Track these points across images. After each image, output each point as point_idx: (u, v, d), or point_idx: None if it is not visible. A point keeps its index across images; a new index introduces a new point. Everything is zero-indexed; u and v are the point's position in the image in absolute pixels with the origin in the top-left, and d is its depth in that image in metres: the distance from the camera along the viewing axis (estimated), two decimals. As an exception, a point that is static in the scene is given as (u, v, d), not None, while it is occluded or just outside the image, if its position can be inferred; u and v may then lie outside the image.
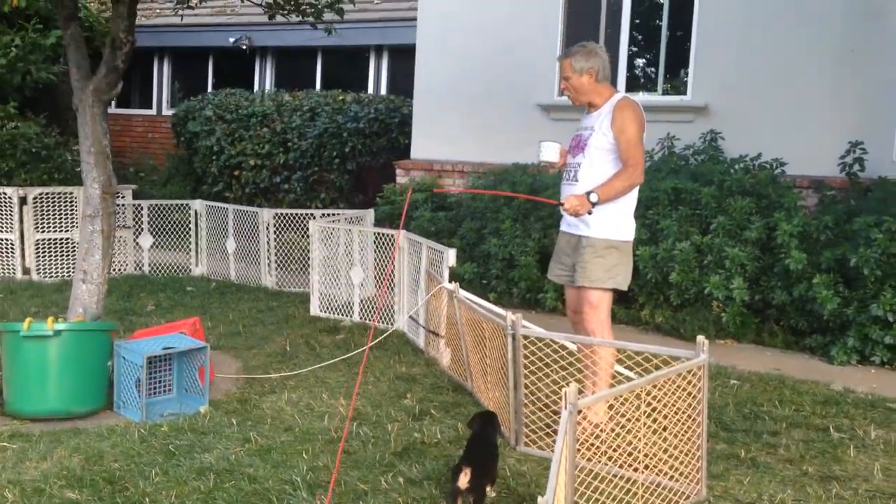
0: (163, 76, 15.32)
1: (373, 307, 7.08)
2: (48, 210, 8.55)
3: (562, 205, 4.49)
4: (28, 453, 4.17)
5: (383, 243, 7.27)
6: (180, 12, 7.95)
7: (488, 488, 3.52)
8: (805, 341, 6.46)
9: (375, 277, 7.50)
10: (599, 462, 3.79)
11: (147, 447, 4.26)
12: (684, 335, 6.69)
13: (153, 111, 15.36)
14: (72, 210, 8.63)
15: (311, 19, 6.57)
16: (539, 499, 2.14)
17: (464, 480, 3.35)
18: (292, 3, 6.45)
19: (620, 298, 7.22)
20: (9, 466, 4.00)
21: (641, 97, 9.06)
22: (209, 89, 14.35)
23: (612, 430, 4.24)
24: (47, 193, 8.61)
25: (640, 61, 9.71)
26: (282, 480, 3.87)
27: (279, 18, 6.85)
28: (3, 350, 4.73)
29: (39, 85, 11.03)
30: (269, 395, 5.14)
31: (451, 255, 5.77)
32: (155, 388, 5.01)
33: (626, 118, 4.49)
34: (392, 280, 6.77)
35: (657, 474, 3.71)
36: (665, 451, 3.72)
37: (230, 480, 3.86)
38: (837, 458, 4.20)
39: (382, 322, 6.84)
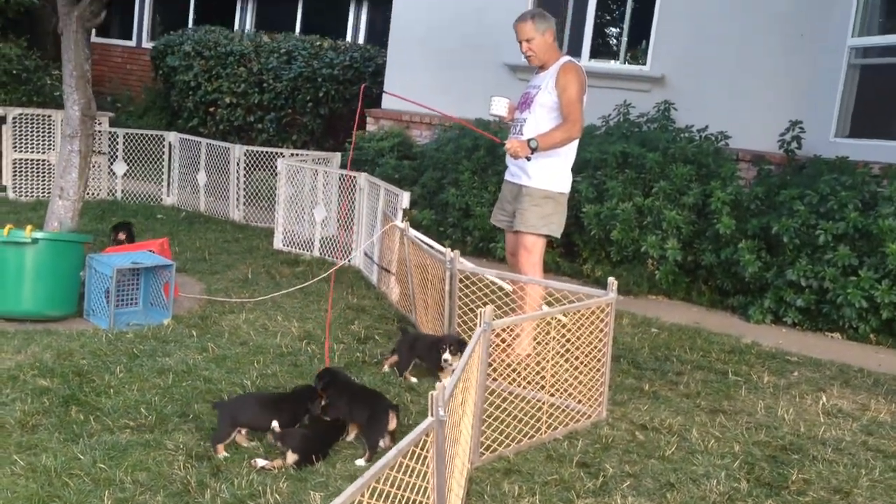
0: (144, 7, 15.43)
1: (334, 244, 7.51)
2: (26, 130, 8.83)
3: (503, 144, 4.94)
4: (3, 346, 4.59)
5: (346, 186, 7.68)
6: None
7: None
8: (728, 301, 7.01)
9: (337, 217, 7.92)
10: (512, 384, 4.29)
11: (113, 349, 4.70)
12: (620, 289, 7.15)
13: (133, 42, 15.50)
14: (49, 132, 8.92)
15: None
16: (431, 393, 2.56)
17: (393, 423, 3.76)
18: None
19: (566, 252, 7.75)
20: (-15, 357, 4.43)
21: (604, 65, 9.49)
22: (190, 24, 14.53)
23: (529, 356, 4.74)
24: (26, 114, 8.88)
25: (605, 31, 10.11)
26: (233, 383, 4.33)
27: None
28: (-18, 254, 5.11)
29: (21, 8, 11.19)
30: (229, 314, 5.59)
31: (405, 198, 6.21)
32: (123, 299, 5.43)
33: (569, 79, 4.92)
34: (351, 219, 7.20)
35: (564, 396, 4.22)
36: (574, 376, 4.22)
37: (187, 380, 4.32)
38: (729, 396, 4.75)
39: (341, 258, 7.29)
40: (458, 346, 4.32)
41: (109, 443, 3.57)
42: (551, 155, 4.94)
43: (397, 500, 2.38)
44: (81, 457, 3.42)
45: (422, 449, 2.52)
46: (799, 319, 6.53)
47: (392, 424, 3.72)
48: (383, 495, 2.30)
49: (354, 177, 7.26)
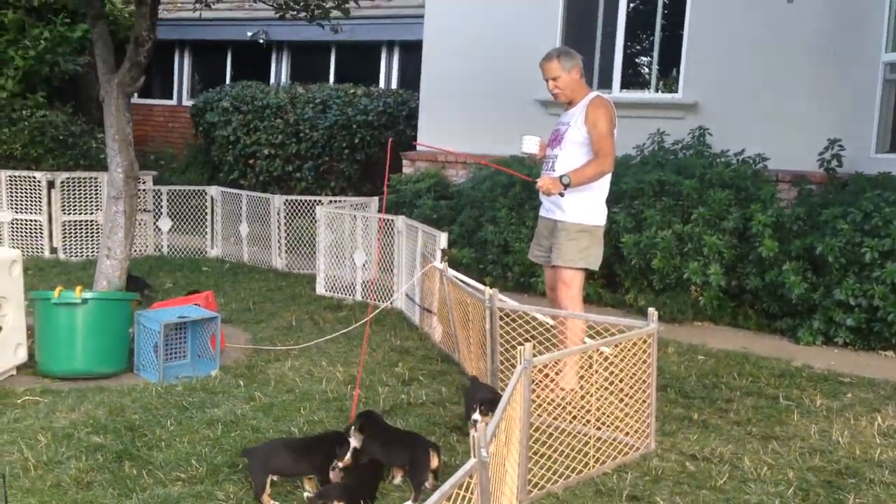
0: (183, 68, 15.88)
1: (373, 287, 7.58)
2: (74, 193, 9.12)
3: (535, 182, 4.98)
4: (58, 406, 4.70)
5: (385, 229, 7.77)
6: (196, 9, 8.47)
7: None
8: (776, 324, 6.91)
9: (375, 260, 8.00)
10: (558, 419, 4.27)
11: (163, 402, 4.78)
12: (664, 318, 7.12)
13: (174, 101, 15.92)
14: (96, 194, 9.19)
15: (318, 20, 7.05)
16: (472, 434, 2.56)
17: (435, 462, 3.75)
18: (301, 2, 6.94)
19: (608, 283, 7.72)
20: (41, 416, 4.54)
21: (636, 95, 9.51)
22: (227, 81, 14.91)
23: (573, 390, 4.71)
24: (74, 178, 9.17)
25: (635, 61, 10.14)
26: (280, 431, 4.38)
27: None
28: (35, 316, 5.27)
29: (66, 76, 11.59)
30: (275, 363, 5.66)
31: (442, 238, 6.26)
32: (171, 353, 5.52)
33: (599, 114, 4.96)
34: (391, 262, 7.27)
35: (611, 430, 4.18)
36: (619, 409, 4.19)
37: (236, 430, 4.38)
38: (781, 421, 4.67)
39: (382, 301, 7.35)
40: (490, 405, 4.06)
41: (162, 496, 3.62)
42: (585, 189, 4.95)
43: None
44: (135, 511, 3.48)
45: (466, 490, 2.53)
46: (850, 339, 6.41)
47: (434, 463, 3.72)
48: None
49: (392, 220, 7.35)
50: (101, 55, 5.92)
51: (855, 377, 5.56)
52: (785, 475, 3.91)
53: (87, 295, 5.19)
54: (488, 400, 4.13)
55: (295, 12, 6.99)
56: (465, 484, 2.51)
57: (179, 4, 15.24)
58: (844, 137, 7.75)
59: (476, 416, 4.07)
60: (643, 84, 9.88)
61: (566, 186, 4.83)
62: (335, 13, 7.21)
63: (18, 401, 4.78)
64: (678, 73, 9.14)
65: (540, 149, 5.21)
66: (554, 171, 5.05)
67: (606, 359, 4.22)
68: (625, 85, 9.46)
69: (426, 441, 3.87)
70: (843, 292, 6.32)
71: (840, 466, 4.01)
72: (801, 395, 5.12)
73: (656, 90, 9.55)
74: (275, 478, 3.72)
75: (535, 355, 3.59)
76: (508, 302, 5.00)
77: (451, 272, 5.65)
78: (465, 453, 4.10)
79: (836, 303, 6.40)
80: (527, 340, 5.02)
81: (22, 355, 5.25)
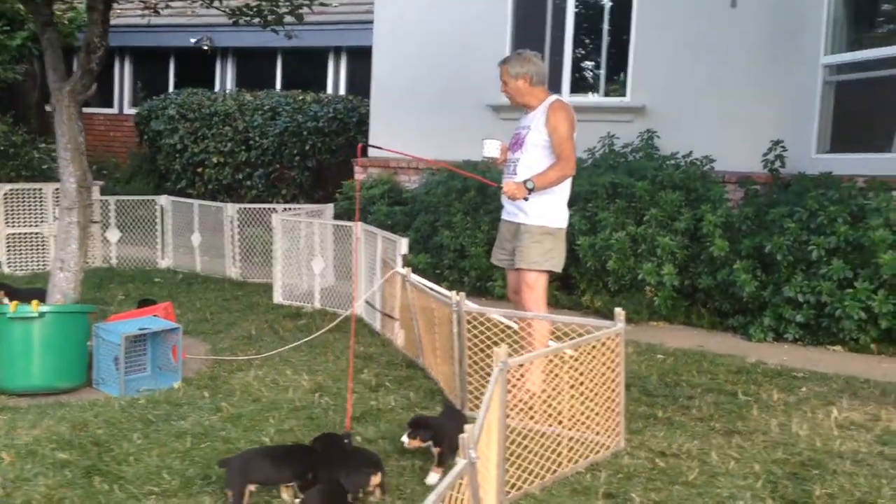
0: (124, 75, 15.61)
1: (336, 293, 7.55)
2: (18, 205, 8.88)
3: (500, 188, 5.03)
4: (18, 423, 4.58)
5: (341, 235, 7.75)
6: (144, 15, 8.33)
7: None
8: (728, 321, 7.09)
9: (334, 267, 7.97)
10: (528, 421, 4.32)
11: (127, 416, 4.69)
12: (620, 318, 7.26)
13: (115, 110, 15.64)
14: (41, 205, 8.96)
15: (272, 25, 7.00)
16: (461, 436, 2.60)
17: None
18: (254, 9, 6.89)
19: (563, 286, 7.82)
20: (1, 434, 4.41)
21: (585, 99, 9.66)
22: (170, 88, 14.70)
23: (544, 391, 4.77)
24: (17, 189, 8.93)
25: (583, 65, 10.30)
26: (252, 441, 4.34)
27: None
28: (-10, 331, 5.12)
29: (4, 84, 11.30)
30: (237, 372, 5.60)
31: (403, 244, 6.28)
32: (131, 366, 5.42)
33: (559, 118, 5.04)
34: (349, 269, 7.25)
35: (581, 430, 4.25)
36: (589, 408, 4.26)
37: (206, 442, 4.32)
38: (742, 416, 4.80)
39: (342, 308, 7.32)
40: (416, 429, 3.99)
41: (136, 511, 3.57)
42: (547, 192, 5.02)
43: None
44: (110, 527, 3.42)
45: (458, 491, 2.56)
46: (800, 335, 6.61)
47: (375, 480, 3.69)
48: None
49: (350, 227, 7.33)
50: (50, 63, 5.79)
51: (807, 371, 5.75)
52: (752, 468, 4.02)
53: (44, 308, 5.07)
54: (416, 423, 3.99)
55: (248, 18, 6.93)
56: (457, 485, 2.54)
57: (119, 12, 14.95)
58: (787, 139, 7.99)
59: (404, 437, 3.96)
60: (592, 88, 10.05)
61: (530, 191, 4.90)
62: (288, 18, 7.16)
63: (-24, 419, 4.65)
64: (625, 76, 9.31)
65: (501, 153, 5.27)
66: (516, 174, 5.11)
67: (575, 359, 4.28)
68: (574, 89, 9.60)
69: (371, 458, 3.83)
70: (792, 289, 6.52)
71: (803, 458, 4.14)
72: (759, 391, 5.27)
73: (605, 94, 9.72)
74: (252, 488, 3.69)
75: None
76: (475, 306, 5.03)
77: (415, 277, 5.67)
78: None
79: (786, 300, 6.60)
80: (493, 344, 5.07)
81: (-24, 372, 5.10)
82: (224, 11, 7.14)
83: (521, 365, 4.23)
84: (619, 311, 4.28)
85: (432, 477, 3.83)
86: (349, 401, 4.74)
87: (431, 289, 5.50)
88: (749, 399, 5.09)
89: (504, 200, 5.27)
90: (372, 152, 10.36)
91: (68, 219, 5.83)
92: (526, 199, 4.94)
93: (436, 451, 3.93)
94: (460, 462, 2.60)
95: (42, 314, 5.03)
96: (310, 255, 7.78)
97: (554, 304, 7.64)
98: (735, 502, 3.64)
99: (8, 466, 3.97)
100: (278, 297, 7.80)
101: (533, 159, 5.08)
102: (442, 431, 3.91)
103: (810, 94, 8.18)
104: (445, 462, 3.84)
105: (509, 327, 5.34)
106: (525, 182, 4.92)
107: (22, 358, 5.05)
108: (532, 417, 4.33)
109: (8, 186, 8.94)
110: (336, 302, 7.53)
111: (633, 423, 4.62)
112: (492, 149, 5.23)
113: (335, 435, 4.06)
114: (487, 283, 8.08)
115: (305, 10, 7.13)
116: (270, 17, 7.06)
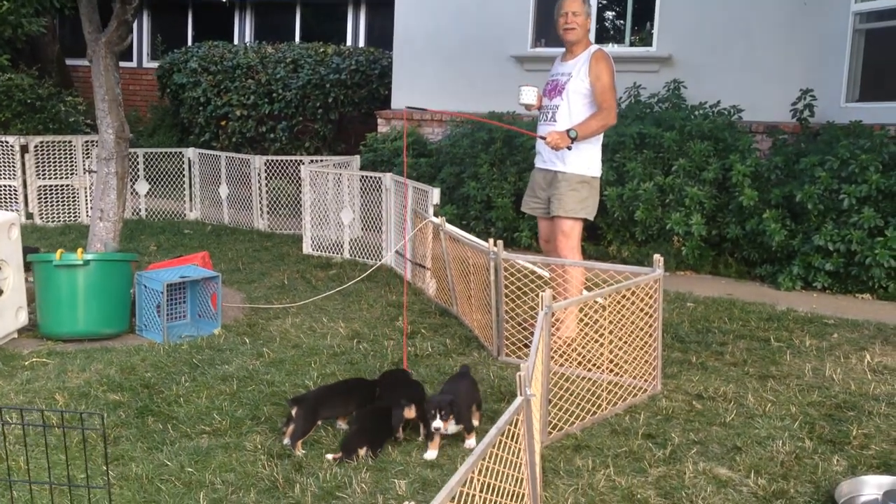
0: (143, 28, 15.54)
1: (364, 243, 7.62)
2: (48, 158, 8.96)
3: (544, 139, 5.06)
4: (67, 367, 4.71)
5: (369, 187, 7.80)
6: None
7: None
8: (756, 271, 7.13)
9: (361, 218, 8.03)
10: (570, 367, 4.41)
11: (173, 360, 4.82)
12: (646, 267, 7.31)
13: (133, 63, 15.59)
14: (71, 158, 9.04)
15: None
16: (518, 374, 2.69)
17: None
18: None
19: (590, 236, 7.86)
20: (52, 377, 4.55)
21: (610, 49, 9.59)
22: (189, 42, 14.64)
23: (585, 335, 4.85)
24: (47, 142, 9.01)
25: (609, 14, 10.21)
26: (296, 385, 4.45)
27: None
28: (36, 279, 5.24)
29: (25, 38, 11.28)
30: (275, 320, 5.71)
31: (435, 194, 6.33)
32: (172, 313, 5.55)
33: (602, 68, 5.05)
34: (380, 219, 7.32)
35: (620, 374, 4.34)
36: (627, 353, 4.34)
37: (251, 385, 4.44)
38: (775, 361, 4.87)
39: (370, 258, 7.41)
40: (450, 408, 3.65)
41: (191, 448, 3.69)
42: (584, 141, 5.05)
43: (495, 475, 2.50)
44: (168, 463, 3.54)
45: (514, 426, 2.65)
46: (829, 283, 6.65)
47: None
48: (487, 471, 2.43)
49: (380, 178, 7.38)
50: (86, 14, 5.81)
51: (838, 319, 5.80)
52: (788, 410, 4.10)
53: (89, 256, 5.17)
54: (448, 402, 3.64)
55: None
56: (514, 420, 2.63)
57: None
58: (815, 88, 7.93)
59: (437, 423, 3.61)
60: (618, 38, 9.97)
61: (573, 140, 4.93)
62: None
63: (26, 363, 4.77)
64: (652, 26, 9.24)
65: (537, 100, 5.28)
66: (555, 121, 5.13)
67: (614, 305, 4.35)
68: (600, 39, 9.54)
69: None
70: (822, 238, 6.55)
71: (838, 401, 4.22)
72: (791, 337, 5.34)
73: (630, 44, 9.65)
74: (319, 422, 3.84)
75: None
76: (512, 255, 5.10)
77: (450, 227, 5.73)
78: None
79: (815, 248, 6.63)
80: (528, 292, 5.15)
81: (23, 318, 5.23)
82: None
83: (562, 310, 4.30)
84: (657, 258, 4.34)
85: (430, 453, 3.68)
86: (404, 341, 4.89)
87: (467, 238, 5.56)
88: (781, 345, 5.16)
89: (540, 148, 5.29)
90: (394, 103, 10.36)
91: (106, 169, 5.91)
92: (569, 148, 4.97)
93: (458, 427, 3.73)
94: (518, 399, 2.69)
95: (87, 262, 5.13)
96: (339, 206, 7.84)
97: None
98: (773, 442, 3.72)
99: (63, 407, 4.10)
100: (308, 248, 7.89)
101: (574, 107, 5.11)
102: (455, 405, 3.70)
103: (840, 42, 8.10)
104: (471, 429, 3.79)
105: (541, 277, 5.40)
106: (568, 131, 4.95)
107: (68, 304, 5.17)
108: (569, 362, 4.41)
109: (38, 139, 9.02)
110: (365, 252, 7.62)
111: (667, 367, 4.70)
112: (529, 95, 5.24)
113: (399, 370, 4.36)
114: (514, 233, 8.13)
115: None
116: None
